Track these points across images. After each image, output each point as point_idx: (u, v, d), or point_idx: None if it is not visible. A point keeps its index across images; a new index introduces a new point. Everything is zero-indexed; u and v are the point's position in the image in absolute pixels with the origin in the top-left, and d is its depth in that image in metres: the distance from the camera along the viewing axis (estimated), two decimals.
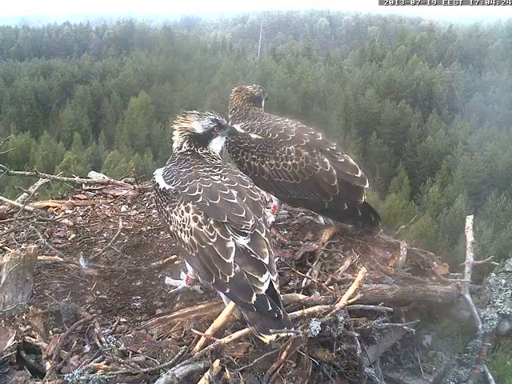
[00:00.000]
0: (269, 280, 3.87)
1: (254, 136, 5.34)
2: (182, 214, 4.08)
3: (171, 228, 4.23)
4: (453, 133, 56.42)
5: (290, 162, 5.21)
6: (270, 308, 3.75)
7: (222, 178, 4.22)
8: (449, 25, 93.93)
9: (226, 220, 3.97)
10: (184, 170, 4.30)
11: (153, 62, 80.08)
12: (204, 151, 4.47)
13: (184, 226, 4.07)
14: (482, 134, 54.29)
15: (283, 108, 46.80)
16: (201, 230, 3.99)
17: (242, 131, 5.40)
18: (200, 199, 4.05)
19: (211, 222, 3.98)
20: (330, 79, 69.10)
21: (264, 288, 3.81)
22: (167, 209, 4.23)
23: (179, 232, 4.12)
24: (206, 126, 4.45)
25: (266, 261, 3.93)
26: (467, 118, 58.80)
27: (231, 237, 3.95)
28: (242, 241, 3.95)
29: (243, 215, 4.01)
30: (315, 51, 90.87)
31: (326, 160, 5.22)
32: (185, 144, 4.46)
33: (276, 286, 3.92)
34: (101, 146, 56.91)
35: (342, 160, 5.29)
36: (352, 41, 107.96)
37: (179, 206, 4.11)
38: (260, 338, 3.73)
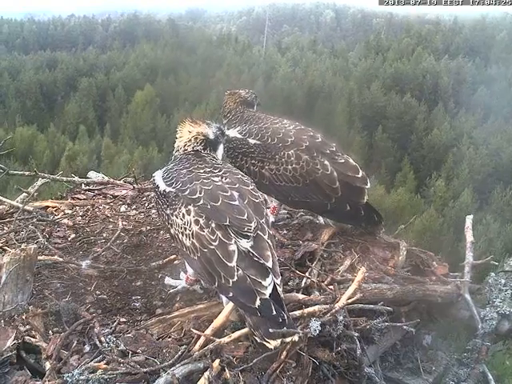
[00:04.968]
0: (272, 283, 3.84)
1: (252, 141, 5.31)
2: (183, 217, 4.06)
3: (172, 231, 4.21)
4: (458, 126, 56.07)
5: (290, 167, 5.19)
6: (275, 312, 3.72)
7: (223, 179, 4.20)
8: (454, 17, 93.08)
9: (227, 223, 3.94)
10: (184, 170, 4.29)
11: (158, 55, 79.78)
12: (212, 155, 4.55)
13: (185, 229, 4.05)
14: (487, 128, 53.95)
15: (288, 102, 46.65)
16: (202, 233, 3.96)
17: (240, 136, 5.38)
18: (201, 202, 4.03)
19: (213, 224, 3.96)
20: (335, 73, 68.70)
21: (268, 292, 3.78)
22: (168, 212, 4.21)
23: (180, 235, 4.10)
24: (215, 133, 4.57)
25: (269, 264, 3.90)
26: (472, 111, 58.39)
27: (233, 240, 3.91)
28: (245, 244, 3.92)
29: (245, 217, 3.98)
30: (321, 44, 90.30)
31: (326, 162, 5.20)
32: (199, 147, 4.52)
33: (279, 290, 3.89)
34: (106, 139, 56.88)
35: (343, 161, 5.28)
36: (358, 33, 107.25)
37: (180, 208, 4.09)
38: (265, 343, 3.70)
